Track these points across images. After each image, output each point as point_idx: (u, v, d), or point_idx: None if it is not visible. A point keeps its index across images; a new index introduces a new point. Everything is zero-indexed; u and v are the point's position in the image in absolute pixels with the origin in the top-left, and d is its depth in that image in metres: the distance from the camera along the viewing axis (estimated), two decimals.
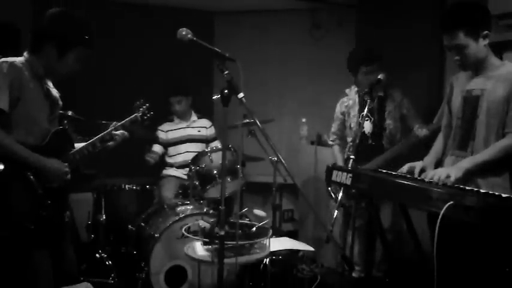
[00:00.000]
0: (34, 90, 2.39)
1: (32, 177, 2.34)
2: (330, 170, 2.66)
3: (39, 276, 2.35)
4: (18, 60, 2.38)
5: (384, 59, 3.58)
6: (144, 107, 3.05)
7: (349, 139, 3.70)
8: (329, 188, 3.85)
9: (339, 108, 3.81)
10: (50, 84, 2.58)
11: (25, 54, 2.44)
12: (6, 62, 2.31)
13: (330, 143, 3.91)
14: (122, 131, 2.81)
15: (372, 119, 3.60)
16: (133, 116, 2.95)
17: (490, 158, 2.28)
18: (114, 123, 2.84)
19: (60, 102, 2.61)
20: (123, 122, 2.86)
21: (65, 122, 3.02)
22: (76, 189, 4.05)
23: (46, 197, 2.38)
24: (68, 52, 2.42)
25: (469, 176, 2.26)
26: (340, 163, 3.73)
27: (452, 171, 2.22)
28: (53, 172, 2.39)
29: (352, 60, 3.63)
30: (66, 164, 2.47)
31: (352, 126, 3.67)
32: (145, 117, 3.03)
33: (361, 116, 3.49)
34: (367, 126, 3.59)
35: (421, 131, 3.37)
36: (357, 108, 3.66)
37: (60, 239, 2.55)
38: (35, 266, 2.34)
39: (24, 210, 2.31)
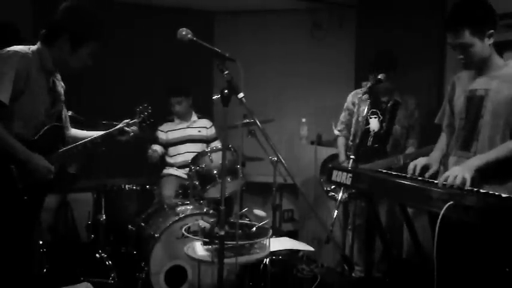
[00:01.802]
0: (39, 83, 2.39)
1: (15, 170, 2.32)
2: (330, 169, 2.66)
3: None
4: (31, 50, 2.38)
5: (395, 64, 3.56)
6: (146, 113, 2.94)
7: (352, 130, 3.71)
8: (321, 179, 3.87)
9: (351, 98, 3.81)
10: (58, 77, 2.58)
11: (38, 44, 2.43)
12: (18, 53, 2.31)
13: (337, 132, 3.90)
14: (133, 128, 2.80)
15: (381, 117, 3.60)
16: (133, 121, 2.87)
17: (502, 156, 2.23)
18: (123, 124, 2.81)
19: (63, 98, 2.60)
20: (119, 126, 2.81)
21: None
22: (74, 186, 4.08)
23: (24, 193, 2.36)
24: (81, 46, 2.42)
25: (479, 174, 2.22)
26: (343, 157, 3.73)
27: (466, 173, 2.14)
28: (36, 168, 2.36)
29: (368, 66, 3.62)
30: (51, 163, 2.44)
31: (359, 120, 3.67)
32: (143, 124, 2.93)
33: (370, 112, 3.53)
34: (374, 124, 3.59)
35: (400, 160, 3.41)
36: (368, 103, 3.65)
37: (28, 240, 2.52)
38: None
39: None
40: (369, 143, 3.59)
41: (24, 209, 2.39)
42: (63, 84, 2.63)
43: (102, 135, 2.73)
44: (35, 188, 2.40)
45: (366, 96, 3.64)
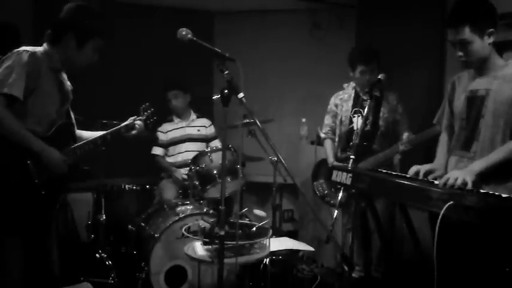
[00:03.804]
0: (49, 83, 2.46)
1: (31, 165, 2.38)
2: (330, 169, 2.67)
3: (11, 263, 2.38)
4: (38, 50, 2.45)
5: (383, 58, 3.57)
6: (149, 111, 3.08)
7: (337, 131, 3.72)
8: (314, 183, 3.88)
9: (333, 100, 3.82)
10: (65, 76, 2.65)
11: (44, 45, 2.50)
12: (28, 51, 2.38)
13: (322, 135, 3.90)
14: (139, 123, 2.92)
15: (365, 116, 3.57)
16: (138, 118, 2.98)
17: (502, 159, 2.23)
18: (130, 121, 2.92)
19: (71, 96, 2.68)
20: (127, 122, 2.92)
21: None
22: (74, 186, 4.08)
23: (41, 188, 2.41)
24: (86, 42, 2.50)
25: (480, 177, 2.22)
26: (331, 159, 3.73)
27: (467, 176, 2.14)
28: (50, 159, 2.42)
29: (351, 58, 3.63)
30: (66, 157, 2.52)
31: (342, 119, 3.68)
32: (148, 122, 3.06)
33: (353, 111, 3.55)
34: (358, 123, 3.58)
35: (401, 147, 3.41)
36: (350, 103, 3.67)
37: (45, 235, 2.57)
38: (9, 253, 2.37)
39: (18, 197, 2.35)
40: (354, 142, 3.55)
41: (41, 204, 2.44)
42: (69, 83, 2.69)
43: (111, 132, 2.81)
44: (52, 183, 2.46)
45: (346, 96, 3.66)
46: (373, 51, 3.62)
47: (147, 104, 3.09)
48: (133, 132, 2.91)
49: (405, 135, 3.56)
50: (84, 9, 2.53)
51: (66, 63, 2.54)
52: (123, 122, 2.95)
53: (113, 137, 2.81)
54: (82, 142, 2.69)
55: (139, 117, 2.99)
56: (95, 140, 2.73)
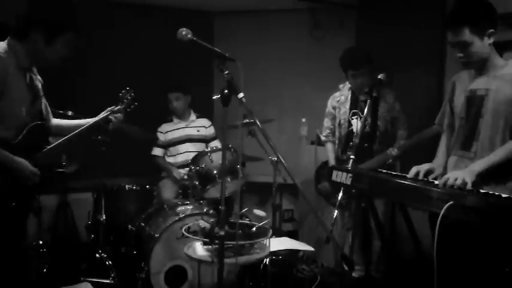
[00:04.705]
0: (17, 83, 2.27)
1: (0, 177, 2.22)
2: (330, 169, 2.67)
3: None
4: (3, 49, 2.24)
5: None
6: (129, 97, 2.78)
7: (337, 133, 3.73)
8: (318, 186, 3.89)
9: (330, 102, 3.82)
10: (35, 71, 2.45)
11: (9, 40, 2.29)
12: None
13: (323, 138, 3.91)
14: (118, 115, 2.68)
15: (364, 117, 3.57)
16: (117, 108, 2.72)
17: (502, 159, 2.23)
18: (107, 112, 2.68)
19: (42, 94, 2.47)
20: (104, 115, 2.68)
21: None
22: (72, 186, 4.06)
23: (11, 199, 2.27)
24: (55, 38, 2.28)
25: (480, 178, 2.22)
26: (333, 162, 3.74)
27: (467, 176, 2.14)
28: (21, 173, 2.26)
29: (341, 63, 3.61)
30: (36, 163, 2.34)
31: (341, 122, 3.68)
32: (128, 110, 2.77)
33: (351, 113, 3.57)
34: (357, 125, 3.58)
35: (392, 151, 3.42)
36: (348, 105, 3.66)
37: (20, 240, 2.48)
38: None
39: None
40: (354, 143, 3.54)
41: (13, 215, 2.31)
42: (40, 78, 2.49)
43: (87, 128, 2.59)
44: (22, 192, 2.32)
45: (343, 98, 3.65)
46: (363, 55, 3.58)
47: (127, 88, 2.80)
48: (111, 126, 2.66)
49: (398, 140, 3.56)
50: (53, 2, 2.31)
51: (35, 59, 2.33)
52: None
53: (90, 131, 2.60)
54: (55, 143, 2.48)
55: (118, 107, 2.72)
56: (69, 139, 2.51)
